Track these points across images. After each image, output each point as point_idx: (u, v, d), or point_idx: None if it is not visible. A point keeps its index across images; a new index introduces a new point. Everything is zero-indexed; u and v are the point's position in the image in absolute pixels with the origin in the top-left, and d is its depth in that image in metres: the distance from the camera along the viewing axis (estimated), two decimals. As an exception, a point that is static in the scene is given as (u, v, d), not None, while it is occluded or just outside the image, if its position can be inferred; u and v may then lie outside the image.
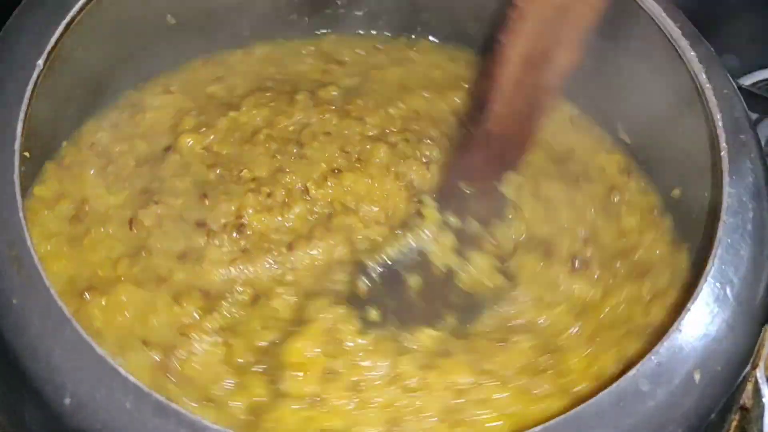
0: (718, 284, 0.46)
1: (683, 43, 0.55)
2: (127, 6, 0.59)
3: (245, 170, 0.59)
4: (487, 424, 0.50)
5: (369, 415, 0.49)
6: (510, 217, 0.60)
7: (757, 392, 0.48)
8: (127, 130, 0.62)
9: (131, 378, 0.40)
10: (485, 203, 0.56)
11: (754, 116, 0.84)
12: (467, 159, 0.55)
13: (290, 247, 0.56)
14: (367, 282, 0.56)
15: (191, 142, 0.61)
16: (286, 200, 0.58)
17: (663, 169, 0.63)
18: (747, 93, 0.82)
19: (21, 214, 0.44)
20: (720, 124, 0.52)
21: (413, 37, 0.74)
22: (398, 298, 0.56)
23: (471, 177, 0.54)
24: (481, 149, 0.53)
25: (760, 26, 0.94)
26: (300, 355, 0.51)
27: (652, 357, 0.44)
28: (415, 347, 0.53)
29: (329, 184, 0.59)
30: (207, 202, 0.58)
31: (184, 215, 0.57)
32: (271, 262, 0.56)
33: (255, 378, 0.51)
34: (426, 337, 0.54)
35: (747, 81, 0.88)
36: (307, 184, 0.59)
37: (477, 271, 0.57)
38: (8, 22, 0.52)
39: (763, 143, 0.83)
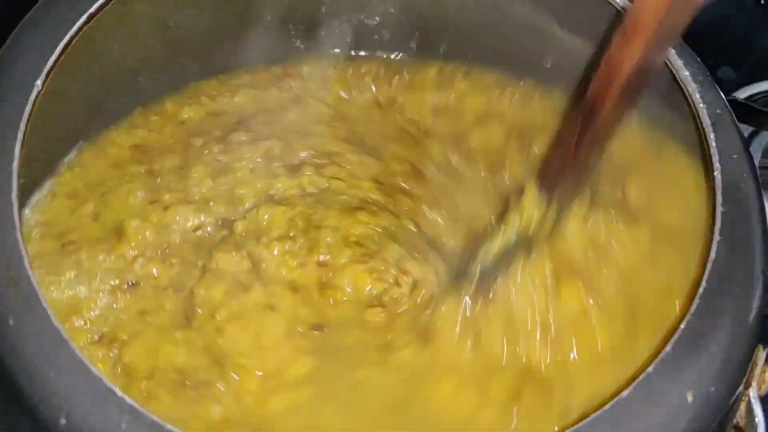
0: (710, 304, 0.47)
1: (678, 63, 0.55)
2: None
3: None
4: None
5: None
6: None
7: (750, 412, 0.48)
8: None
9: (127, 399, 0.41)
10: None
11: (749, 130, 0.84)
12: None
13: None
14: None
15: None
16: None
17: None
18: (743, 106, 0.82)
19: (18, 235, 0.44)
20: (714, 144, 0.52)
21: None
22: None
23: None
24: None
25: (756, 39, 0.94)
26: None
27: (645, 378, 0.44)
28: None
29: None
30: None
31: None
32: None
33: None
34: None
35: (743, 94, 0.88)
36: None
37: None
38: (7, 42, 0.52)
39: (759, 156, 0.84)
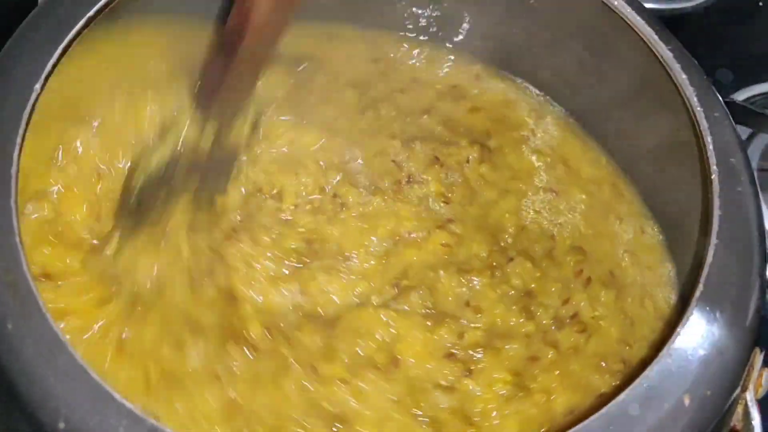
0: (707, 307, 0.47)
1: (675, 66, 0.55)
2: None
3: None
4: None
5: None
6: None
7: (747, 415, 0.48)
8: None
9: (126, 403, 0.41)
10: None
11: (748, 132, 0.84)
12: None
13: None
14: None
15: None
16: None
17: (653, 192, 0.63)
18: (741, 108, 0.82)
19: (17, 239, 0.44)
20: (711, 147, 0.52)
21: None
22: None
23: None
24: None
25: (755, 41, 0.94)
26: None
27: (642, 381, 0.44)
28: None
29: None
30: None
31: None
32: None
33: None
34: None
35: (741, 96, 0.88)
36: None
37: None
38: (6, 46, 0.52)
39: (758, 158, 0.84)
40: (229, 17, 0.52)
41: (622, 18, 0.58)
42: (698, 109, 0.54)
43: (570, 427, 0.42)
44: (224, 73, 0.54)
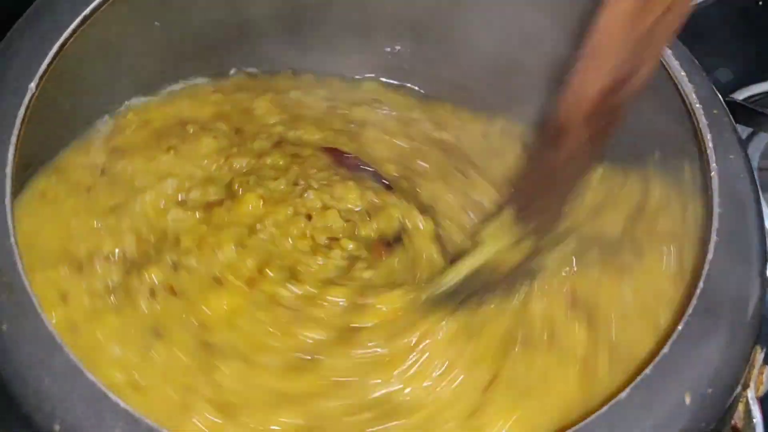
0: (707, 305, 0.46)
1: (674, 63, 0.55)
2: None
3: None
4: None
5: None
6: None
7: (748, 413, 0.48)
8: None
9: (121, 404, 0.41)
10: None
11: (748, 131, 0.84)
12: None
13: None
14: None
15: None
16: None
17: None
18: (741, 107, 0.82)
19: (12, 240, 0.44)
20: (711, 145, 0.52)
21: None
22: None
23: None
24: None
25: (753, 40, 0.94)
26: None
27: (643, 379, 0.44)
28: None
29: None
30: None
31: None
32: None
33: None
34: None
35: (741, 95, 0.88)
36: None
37: None
38: (0, 45, 0.52)
39: (758, 157, 0.84)
40: (556, 110, 0.44)
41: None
42: (697, 106, 0.53)
43: (571, 426, 0.42)
44: (544, 175, 0.46)
